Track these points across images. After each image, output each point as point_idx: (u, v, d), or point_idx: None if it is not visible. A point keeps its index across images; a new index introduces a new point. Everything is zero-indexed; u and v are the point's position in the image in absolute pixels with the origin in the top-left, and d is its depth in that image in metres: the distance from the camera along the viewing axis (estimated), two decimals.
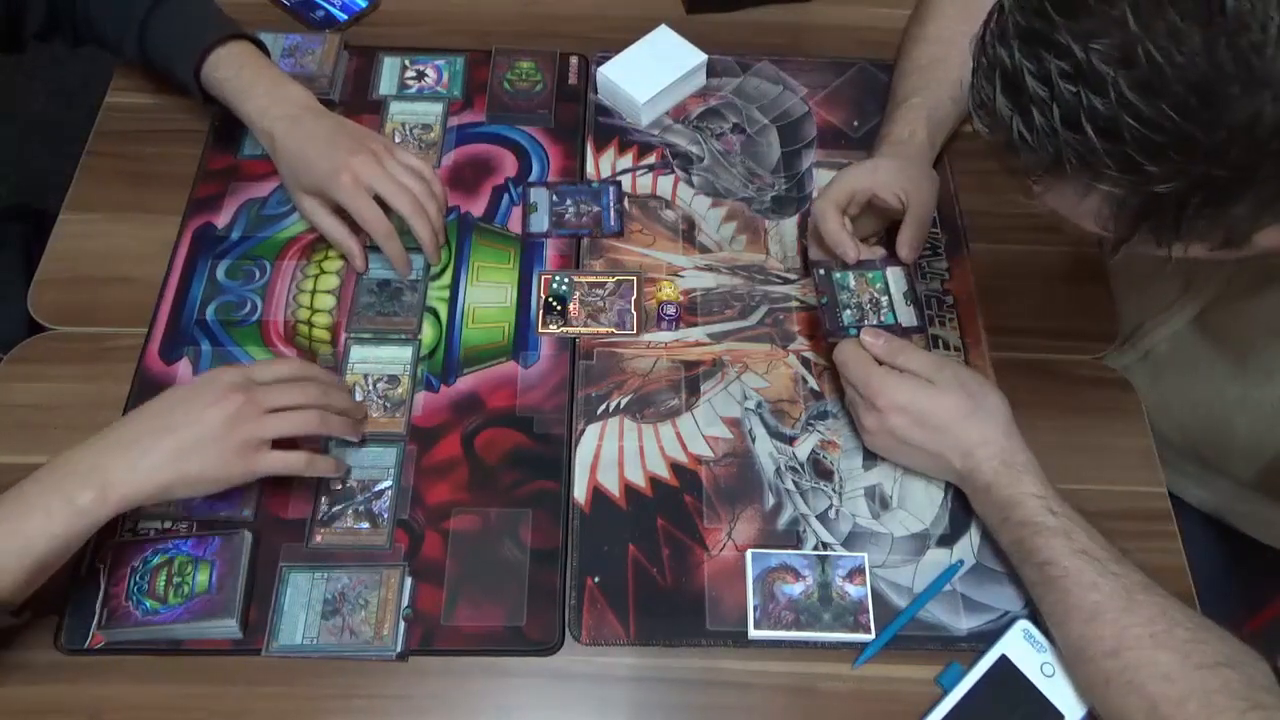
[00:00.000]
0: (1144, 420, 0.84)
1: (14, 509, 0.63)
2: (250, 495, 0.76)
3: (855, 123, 1.01)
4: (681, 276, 0.90)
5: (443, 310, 0.87)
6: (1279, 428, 0.81)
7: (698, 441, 0.81)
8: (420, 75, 1.02)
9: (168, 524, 0.74)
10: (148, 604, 0.70)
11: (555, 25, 1.07)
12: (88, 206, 0.92)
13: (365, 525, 0.76)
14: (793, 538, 0.77)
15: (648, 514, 0.77)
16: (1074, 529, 0.68)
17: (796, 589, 0.74)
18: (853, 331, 0.78)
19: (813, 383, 0.85)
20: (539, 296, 0.88)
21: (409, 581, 0.73)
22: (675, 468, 0.80)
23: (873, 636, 0.72)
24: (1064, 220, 0.58)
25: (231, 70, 0.87)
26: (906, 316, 0.80)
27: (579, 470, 0.79)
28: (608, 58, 1.00)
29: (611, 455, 0.80)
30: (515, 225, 0.92)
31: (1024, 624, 0.72)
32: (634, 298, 0.88)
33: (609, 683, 0.71)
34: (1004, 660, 0.70)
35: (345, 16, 1.06)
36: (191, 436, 0.67)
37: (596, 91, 1.01)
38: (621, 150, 0.98)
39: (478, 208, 0.94)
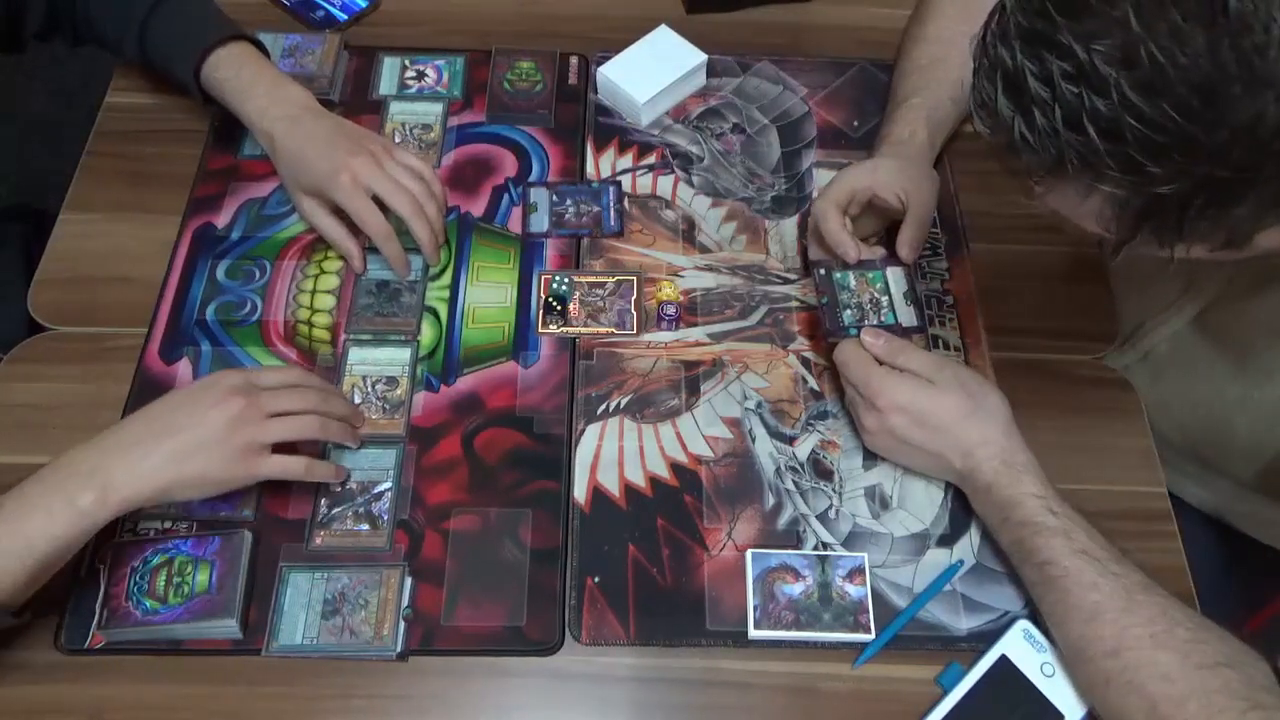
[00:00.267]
0: (1144, 420, 0.84)
1: (15, 510, 0.63)
2: (250, 495, 0.76)
3: (855, 123, 1.01)
4: (681, 276, 0.90)
5: (443, 310, 0.87)
6: (1279, 428, 0.81)
7: (698, 441, 0.81)
8: (420, 75, 1.02)
9: (168, 524, 0.74)
10: (148, 604, 0.70)
11: (555, 25, 1.07)
12: (88, 206, 0.92)
13: (365, 527, 0.76)
14: (793, 538, 0.77)
15: (648, 514, 0.77)
16: (1074, 529, 0.68)
17: (796, 589, 0.74)
18: (853, 331, 0.78)
19: (813, 383, 0.85)
20: (539, 296, 0.88)
21: (409, 581, 0.73)
22: (675, 468, 0.80)
23: (873, 636, 0.72)
24: (1065, 221, 0.58)
25: (231, 71, 0.87)
26: (906, 316, 0.80)
27: (579, 470, 0.79)
28: (608, 58, 1.00)
29: (611, 455, 0.80)
30: (515, 225, 0.92)
31: (1024, 624, 0.72)
32: (634, 298, 0.88)
33: (609, 683, 0.71)
34: (1004, 660, 0.70)
35: (345, 16, 1.06)
36: (193, 439, 0.67)
37: (596, 91, 1.01)
38: (621, 150, 0.98)
39: (478, 208, 0.93)
